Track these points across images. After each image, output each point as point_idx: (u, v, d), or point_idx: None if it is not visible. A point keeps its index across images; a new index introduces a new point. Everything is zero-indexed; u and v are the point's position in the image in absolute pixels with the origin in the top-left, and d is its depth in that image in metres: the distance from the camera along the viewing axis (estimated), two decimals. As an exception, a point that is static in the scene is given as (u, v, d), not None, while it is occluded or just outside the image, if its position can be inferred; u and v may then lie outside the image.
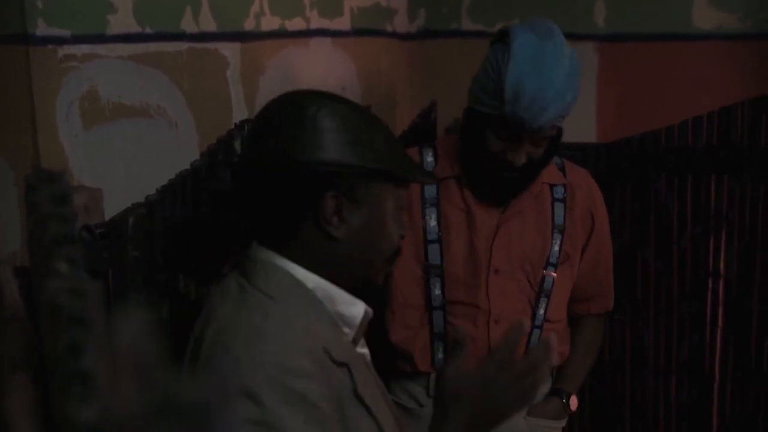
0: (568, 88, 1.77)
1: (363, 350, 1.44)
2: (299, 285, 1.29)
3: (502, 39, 1.81)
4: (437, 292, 1.97)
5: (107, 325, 0.49)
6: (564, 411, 2.07)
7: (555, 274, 2.00)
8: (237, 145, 1.91)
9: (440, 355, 2.01)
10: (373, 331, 2.05)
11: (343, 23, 3.04)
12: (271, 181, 1.27)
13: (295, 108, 1.28)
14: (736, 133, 2.88)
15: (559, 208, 2.01)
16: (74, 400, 0.53)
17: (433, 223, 1.96)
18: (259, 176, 1.29)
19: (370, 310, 1.39)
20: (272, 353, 1.20)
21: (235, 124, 2.00)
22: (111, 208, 1.61)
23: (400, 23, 3.58)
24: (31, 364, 0.86)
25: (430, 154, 2.01)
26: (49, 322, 0.65)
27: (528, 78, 1.73)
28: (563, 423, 2.19)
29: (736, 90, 3.10)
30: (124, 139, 2.05)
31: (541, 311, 2.01)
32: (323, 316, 1.30)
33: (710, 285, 3.00)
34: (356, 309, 1.36)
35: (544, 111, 1.75)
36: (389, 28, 3.47)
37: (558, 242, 2.00)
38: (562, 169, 2.05)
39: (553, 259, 2.00)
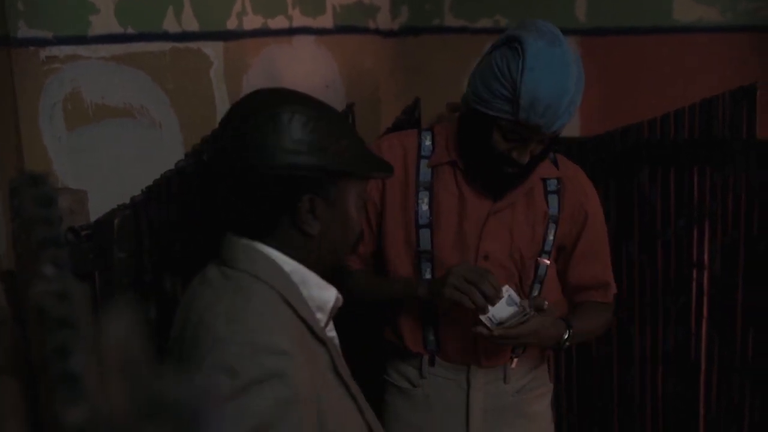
0: (577, 92, 1.84)
1: (331, 334, 1.50)
2: (278, 268, 1.37)
3: (510, 44, 1.83)
4: (428, 276, 1.99)
5: (95, 326, 0.49)
6: (561, 336, 1.96)
7: (548, 262, 2.03)
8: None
9: (431, 338, 2.03)
10: (365, 313, 2.07)
11: (326, 21, 3.05)
12: (251, 183, 1.33)
13: (269, 112, 1.34)
14: (718, 125, 2.89)
15: (553, 199, 2.04)
16: (62, 402, 0.53)
17: (425, 207, 1.98)
18: (237, 177, 1.34)
19: (340, 297, 1.46)
20: (249, 331, 1.26)
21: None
22: (96, 210, 1.61)
23: (383, 20, 3.58)
24: (19, 368, 0.86)
25: (428, 138, 2.03)
26: (35, 325, 0.65)
27: (544, 87, 1.78)
28: (550, 391, 2.20)
29: (717, 82, 3.12)
30: (108, 140, 2.05)
31: (535, 295, 2.03)
32: (301, 297, 1.38)
33: (695, 277, 3.02)
34: (328, 293, 1.44)
35: (558, 117, 1.82)
36: (372, 26, 3.47)
37: (553, 231, 2.02)
38: (555, 162, 2.07)
39: (547, 248, 2.03)
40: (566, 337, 1.97)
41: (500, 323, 1.84)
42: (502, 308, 1.86)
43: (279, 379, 1.24)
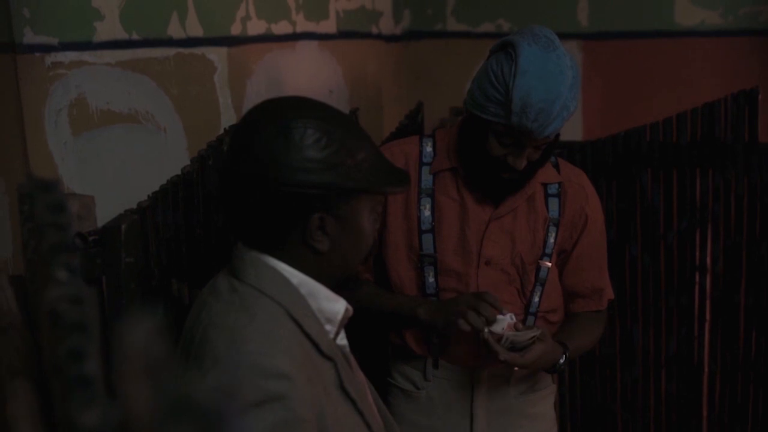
0: (572, 98, 1.84)
1: (342, 342, 1.48)
2: (286, 281, 1.35)
3: (505, 49, 1.84)
4: (431, 280, 2.01)
5: (113, 329, 0.50)
6: (558, 362, 1.97)
7: (549, 264, 2.03)
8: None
9: (435, 340, 2.04)
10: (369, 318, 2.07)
11: (329, 26, 3.06)
12: (260, 198, 1.31)
13: (282, 126, 1.30)
14: (720, 128, 2.90)
15: (553, 203, 2.04)
16: (77, 405, 0.54)
17: (427, 213, 2.00)
18: (246, 191, 1.32)
19: (350, 308, 1.44)
20: (250, 353, 1.25)
21: (225, 128, 2.01)
22: (100, 215, 1.62)
23: (386, 25, 3.59)
24: (30, 371, 0.87)
25: (430, 144, 2.04)
26: (49, 329, 0.66)
27: (535, 92, 1.78)
28: (553, 392, 2.20)
29: (718, 85, 3.13)
30: (114, 145, 2.06)
31: (536, 299, 2.04)
32: (308, 311, 1.36)
33: (697, 279, 3.02)
34: (338, 305, 1.42)
35: (551, 122, 1.81)
36: (375, 31, 3.48)
37: (553, 234, 2.03)
38: (557, 166, 2.08)
39: (548, 250, 2.03)
40: (562, 361, 1.98)
41: (509, 343, 1.85)
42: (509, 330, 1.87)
43: (279, 403, 1.23)
